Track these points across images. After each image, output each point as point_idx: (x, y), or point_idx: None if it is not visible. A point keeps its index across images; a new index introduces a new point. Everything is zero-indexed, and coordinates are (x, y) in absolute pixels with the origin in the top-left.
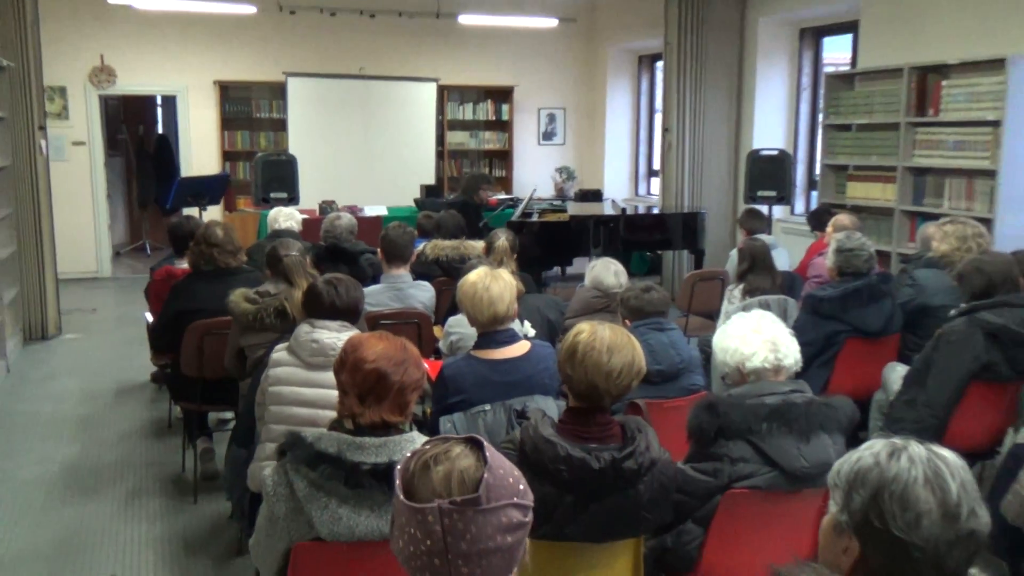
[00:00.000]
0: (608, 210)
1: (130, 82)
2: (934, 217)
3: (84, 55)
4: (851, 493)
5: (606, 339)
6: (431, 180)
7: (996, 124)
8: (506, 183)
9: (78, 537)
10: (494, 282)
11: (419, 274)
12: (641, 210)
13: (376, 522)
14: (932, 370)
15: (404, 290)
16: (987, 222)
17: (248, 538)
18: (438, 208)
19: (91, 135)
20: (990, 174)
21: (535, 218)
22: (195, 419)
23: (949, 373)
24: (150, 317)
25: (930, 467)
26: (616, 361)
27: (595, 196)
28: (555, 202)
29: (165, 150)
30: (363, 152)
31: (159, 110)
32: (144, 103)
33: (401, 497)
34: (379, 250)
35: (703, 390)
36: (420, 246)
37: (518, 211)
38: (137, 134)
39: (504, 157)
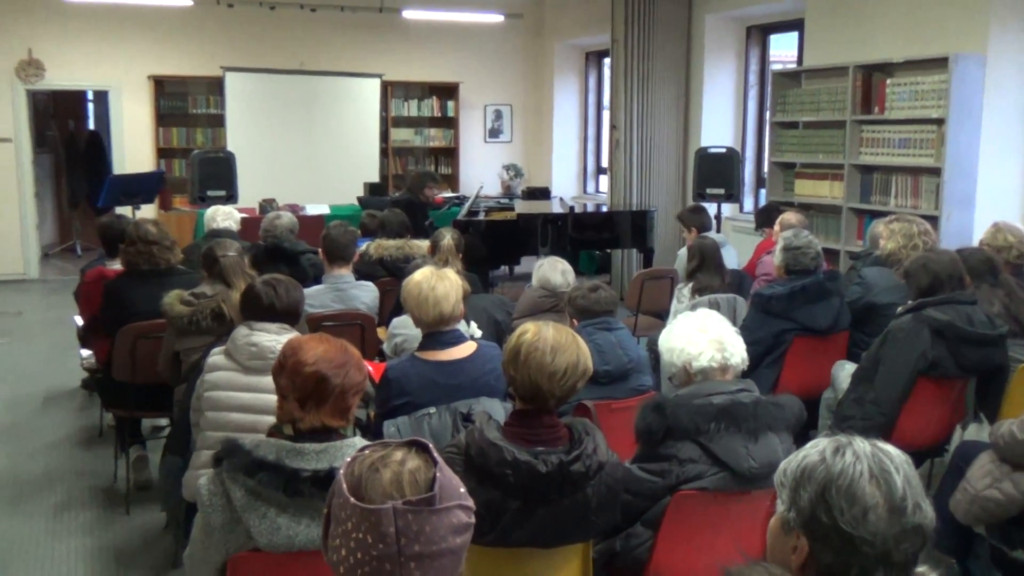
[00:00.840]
0: (556, 208)
1: (60, 76)
2: (882, 215)
3: (11, 48)
4: (798, 490)
5: (549, 339)
6: (375, 178)
7: (940, 122)
8: (452, 181)
9: (4, 553)
10: (439, 282)
11: (362, 274)
12: (590, 208)
13: (317, 531)
14: (880, 367)
15: (346, 291)
16: (933, 219)
17: (183, 550)
18: (382, 207)
19: (18, 131)
20: (935, 171)
21: (482, 217)
22: (128, 426)
23: (896, 370)
24: (80, 320)
25: (875, 462)
26: (560, 361)
27: (543, 194)
28: (502, 200)
29: (97, 147)
30: (304, 149)
31: (90, 105)
32: (75, 98)
33: (352, 499)
34: (320, 250)
35: (652, 391)
36: (363, 245)
37: (464, 209)
38: (67, 130)
39: (450, 154)
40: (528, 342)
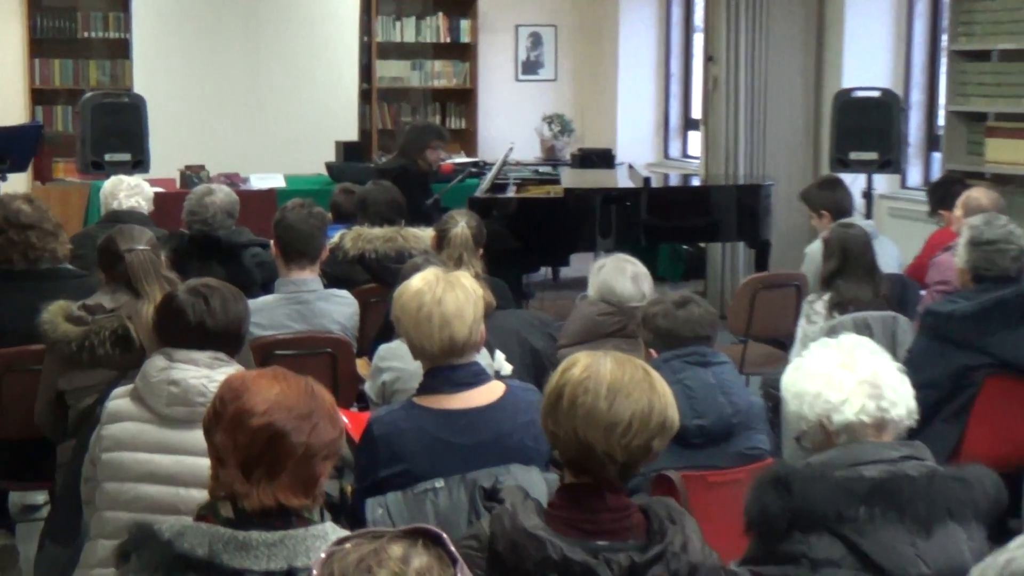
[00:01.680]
0: (624, 181)
1: None
2: None
3: None
4: None
5: (606, 376)
6: (352, 135)
7: None
8: (468, 140)
9: None
10: (449, 291)
11: (334, 279)
12: (673, 181)
13: None
14: None
15: (311, 303)
16: None
17: None
18: (363, 178)
19: None
20: None
21: (512, 193)
22: None
23: None
24: None
25: None
26: (622, 409)
27: (603, 160)
28: (542, 169)
29: None
30: (248, 93)
31: None
32: None
33: None
34: (273, 242)
35: (768, 456)
36: (335, 236)
37: (486, 182)
38: None
39: (464, 100)
40: (575, 381)
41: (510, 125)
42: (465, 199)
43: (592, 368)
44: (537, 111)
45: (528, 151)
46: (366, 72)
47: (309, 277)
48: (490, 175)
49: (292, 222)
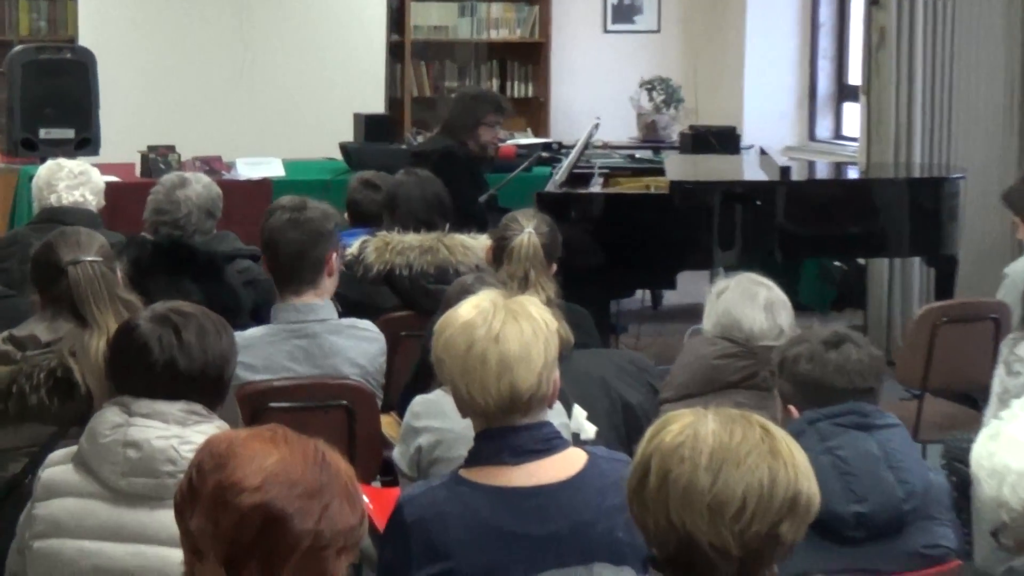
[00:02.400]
0: (753, 171)
1: None
2: None
3: None
4: None
5: (708, 438)
6: (377, 106)
7: None
8: (536, 113)
9: None
10: (511, 324)
11: (353, 304)
12: (823, 172)
13: None
14: None
15: (320, 337)
16: None
17: None
18: (392, 166)
19: None
20: None
21: (597, 187)
22: None
23: None
24: None
25: None
26: (731, 483)
27: (725, 141)
28: (639, 154)
29: None
30: (235, 48)
31: None
32: None
33: None
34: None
35: (953, 557)
36: (353, 245)
37: (562, 172)
38: None
39: (532, 58)
40: (667, 448)
41: (596, 93)
42: (532, 195)
43: (690, 429)
44: (633, 74)
45: (620, 129)
46: (397, 18)
47: (316, 302)
48: (568, 162)
49: (271, 234)
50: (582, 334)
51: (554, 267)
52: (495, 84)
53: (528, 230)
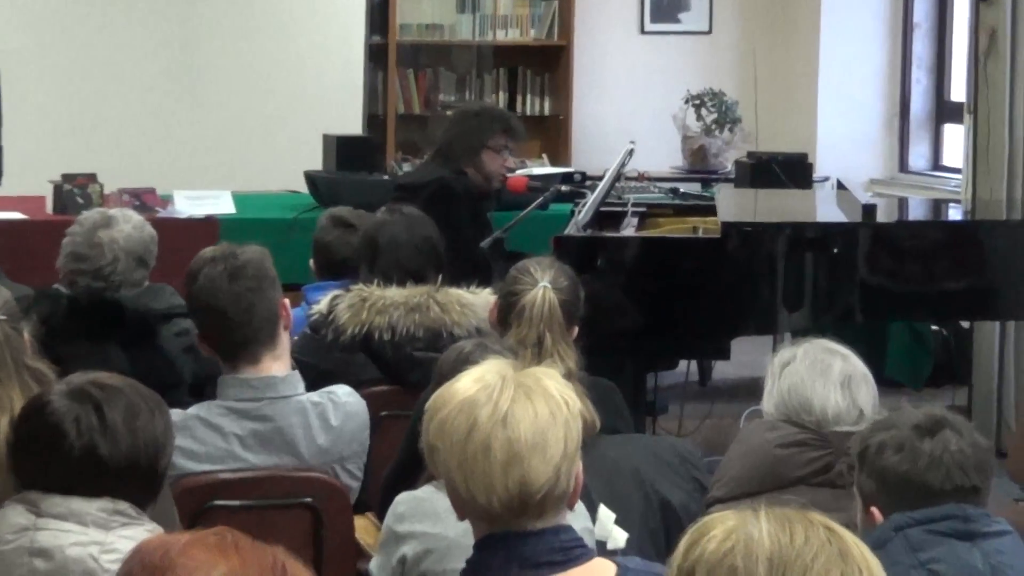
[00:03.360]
0: (829, 210)
1: None
2: None
3: None
4: None
5: (764, 543)
6: (353, 125)
7: None
8: (555, 136)
9: None
10: (521, 403)
11: (320, 377)
12: (918, 212)
13: None
14: None
15: (279, 417)
16: None
17: None
18: (370, 201)
19: None
20: None
21: (631, 229)
22: None
23: None
24: None
25: None
26: None
27: (794, 172)
28: (682, 188)
29: None
30: (170, 54)
31: None
32: None
33: None
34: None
35: None
36: (321, 302)
37: (587, 210)
38: None
39: (550, 66)
40: (714, 557)
41: (630, 110)
42: (549, 239)
43: (740, 533)
44: (678, 86)
45: (661, 156)
46: (379, 15)
47: (276, 372)
48: (594, 198)
49: (207, 296)
50: (611, 416)
51: (575, 330)
52: (503, 99)
53: (543, 284)
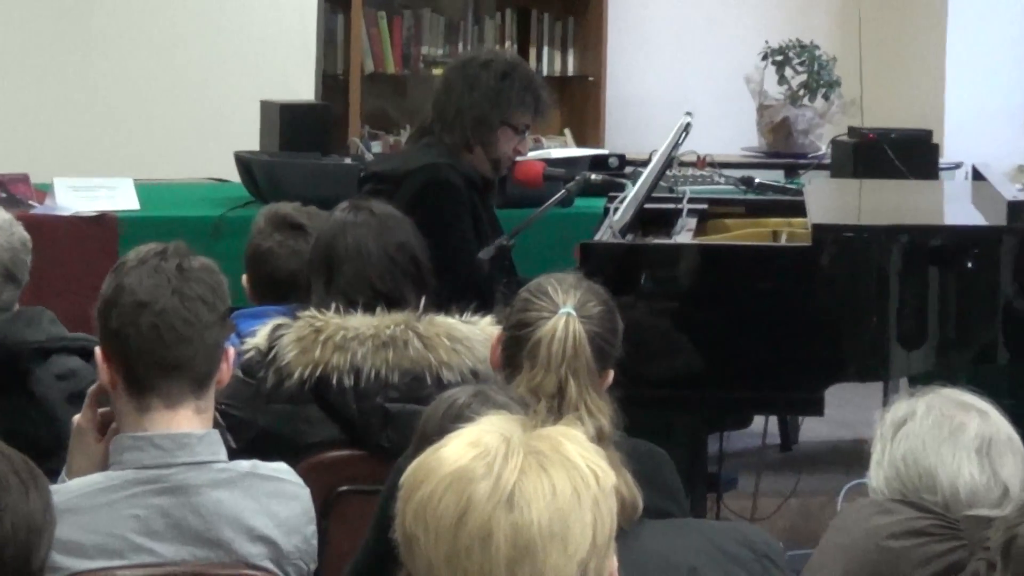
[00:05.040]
0: (962, 211)
1: None
2: None
3: None
4: None
5: None
6: (304, 90)
7: None
8: (582, 106)
9: None
10: (533, 475)
11: (257, 437)
12: None
13: None
14: None
15: (196, 492)
16: None
17: None
18: (327, 194)
19: None
20: None
21: (685, 234)
22: None
23: None
24: None
25: None
26: None
27: (914, 156)
28: (758, 177)
29: None
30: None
31: None
32: None
33: None
34: (100, 343)
35: None
36: (259, 333)
37: (625, 207)
38: None
39: (576, 8)
40: None
41: (686, 69)
42: (574, 247)
43: None
44: (752, 36)
45: (728, 133)
46: None
47: (193, 429)
48: (636, 190)
49: (124, 290)
50: (659, 493)
51: (610, 375)
52: (514, 47)
53: (565, 311)
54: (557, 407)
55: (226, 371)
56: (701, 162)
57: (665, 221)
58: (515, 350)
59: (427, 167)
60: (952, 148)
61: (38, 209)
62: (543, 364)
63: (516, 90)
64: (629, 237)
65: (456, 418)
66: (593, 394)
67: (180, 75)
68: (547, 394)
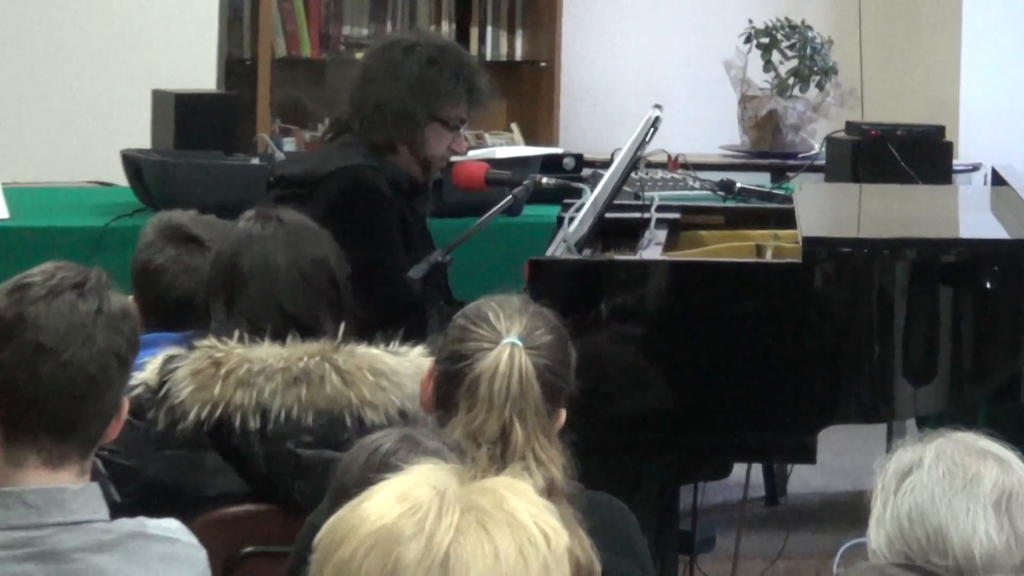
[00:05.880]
0: (981, 222)
1: None
2: None
3: None
4: None
5: None
6: (205, 77)
7: None
8: (534, 94)
9: None
10: (472, 534)
11: (145, 489)
12: None
13: None
14: None
15: (71, 558)
16: None
17: None
18: (230, 200)
19: None
20: None
21: (653, 248)
22: None
23: None
24: None
25: None
26: None
27: (924, 155)
28: (739, 180)
29: None
30: None
31: None
32: None
33: None
34: None
35: None
36: (147, 367)
37: (583, 216)
38: None
39: None
40: None
41: (655, 53)
42: (522, 265)
43: None
44: (732, 15)
45: (705, 129)
46: None
47: (69, 484)
48: (595, 196)
49: (30, 345)
50: (620, 556)
51: (562, 415)
52: (448, 33)
53: (510, 340)
54: (500, 454)
55: (116, 427)
56: (673, 163)
57: (630, 233)
58: (450, 387)
59: (345, 169)
60: (968, 147)
61: None
62: (484, 404)
63: (445, 78)
64: (587, 252)
65: (380, 467)
66: (543, 439)
67: (56, 60)
68: (488, 439)
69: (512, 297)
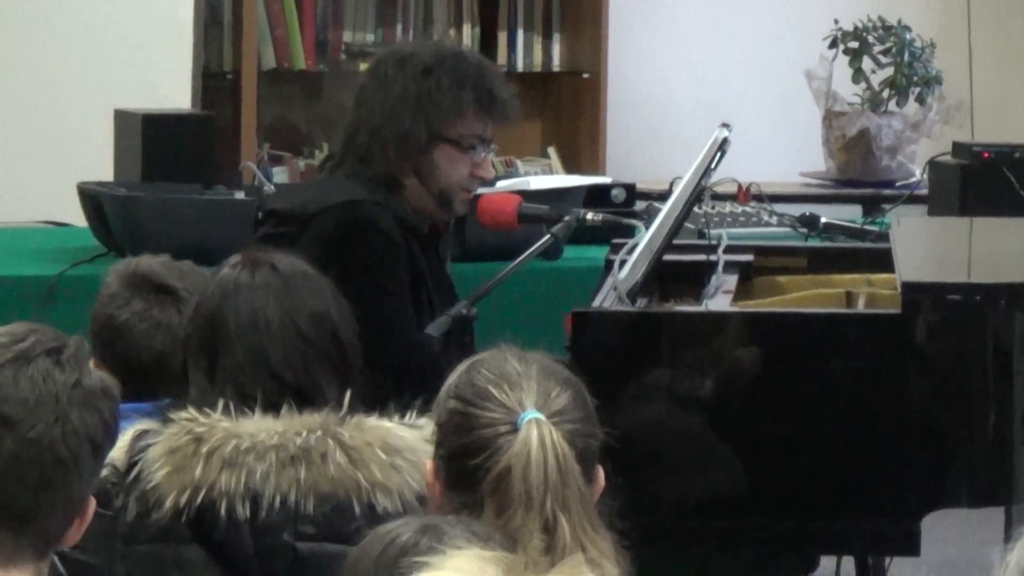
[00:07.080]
0: None
1: None
2: None
3: None
4: None
5: None
6: (180, 95)
7: None
8: (576, 113)
9: None
10: None
11: None
12: None
13: None
14: None
15: None
16: None
17: None
18: (211, 242)
19: None
20: None
21: (720, 297)
22: None
23: None
24: None
25: None
26: None
27: None
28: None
29: None
30: None
31: None
32: None
33: None
34: None
35: None
36: (119, 441)
37: (636, 258)
38: None
39: None
40: None
41: (720, 63)
42: (563, 314)
43: None
44: (814, 16)
45: (783, 153)
46: None
47: None
48: (651, 235)
49: None
50: None
51: (600, 474)
52: (471, 39)
53: (528, 416)
54: (549, 547)
55: (77, 531)
56: (744, 194)
57: (693, 279)
58: (467, 486)
59: (344, 205)
60: None
61: None
62: (519, 503)
63: (445, 88)
64: (642, 302)
65: (397, 564)
66: (590, 530)
67: (8, 77)
68: (529, 538)
69: (496, 354)
